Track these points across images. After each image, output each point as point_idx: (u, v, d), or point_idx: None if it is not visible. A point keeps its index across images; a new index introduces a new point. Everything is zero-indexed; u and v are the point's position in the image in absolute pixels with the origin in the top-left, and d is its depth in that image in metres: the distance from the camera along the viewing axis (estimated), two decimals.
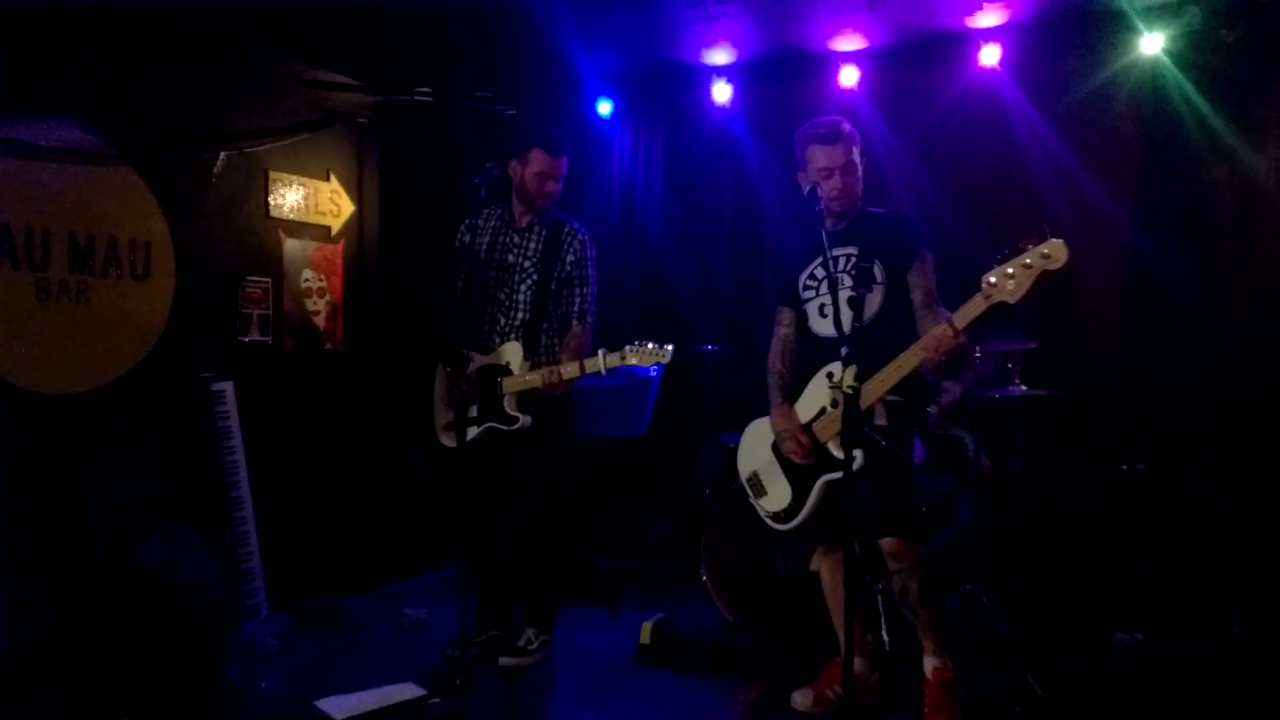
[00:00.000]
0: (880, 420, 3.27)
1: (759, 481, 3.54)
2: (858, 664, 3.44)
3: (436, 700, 3.49)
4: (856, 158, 3.39)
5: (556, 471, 4.04)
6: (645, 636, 4.10)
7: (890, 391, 3.16)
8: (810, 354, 3.46)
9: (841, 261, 3.38)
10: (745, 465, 3.62)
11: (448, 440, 4.00)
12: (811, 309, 3.46)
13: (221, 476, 4.25)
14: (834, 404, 3.34)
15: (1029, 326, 4.45)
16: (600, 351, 3.68)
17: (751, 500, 3.59)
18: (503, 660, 3.93)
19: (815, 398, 3.36)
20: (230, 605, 4.14)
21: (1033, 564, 4.39)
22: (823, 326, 3.41)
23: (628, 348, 3.63)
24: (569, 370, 3.73)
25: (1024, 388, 4.33)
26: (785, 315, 3.58)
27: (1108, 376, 4.90)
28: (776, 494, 3.47)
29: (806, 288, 3.49)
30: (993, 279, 2.85)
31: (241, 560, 4.23)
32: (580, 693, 3.79)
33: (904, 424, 3.33)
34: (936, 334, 3.02)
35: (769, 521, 3.53)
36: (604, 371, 3.70)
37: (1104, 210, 4.88)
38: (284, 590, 4.44)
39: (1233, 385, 4.67)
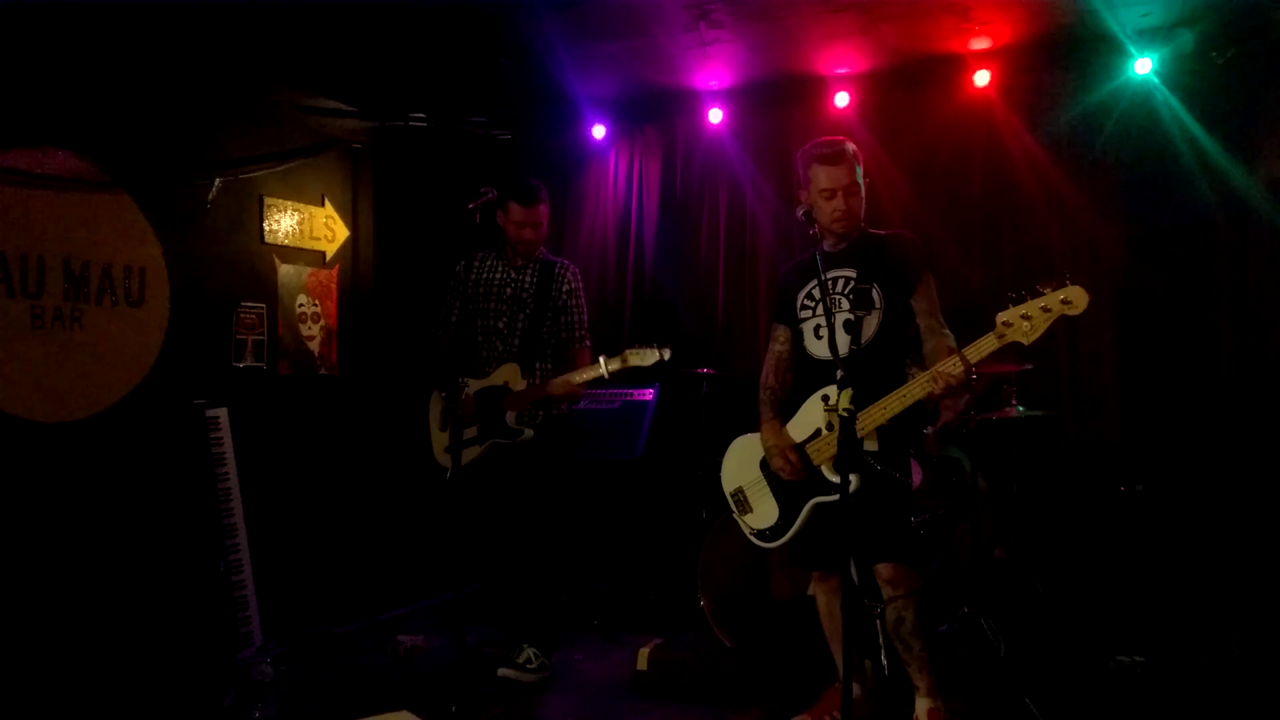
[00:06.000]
0: (871, 445, 3.24)
1: (744, 498, 3.53)
2: (855, 689, 3.40)
3: None
4: (860, 179, 3.37)
5: (554, 493, 4.14)
6: (642, 662, 4.09)
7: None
8: (806, 375, 3.44)
9: (840, 283, 3.35)
10: (730, 481, 3.60)
11: (447, 462, 4.00)
12: (807, 329, 3.43)
13: (215, 503, 4.23)
14: (829, 427, 3.34)
15: (1024, 348, 4.44)
16: (601, 358, 3.85)
17: (735, 516, 3.58)
18: (501, 672, 3.97)
19: (810, 419, 3.34)
20: (224, 633, 4.12)
21: (1031, 586, 4.37)
22: (818, 348, 3.38)
23: (627, 351, 3.82)
24: (578, 376, 3.91)
25: (1021, 409, 4.33)
26: (780, 332, 3.55)
27: (1104, 397, 4.90)
28: (763, 512, 3.45)
29: (804, 307, 3.46)
30: (1007, 319, 2.84)
31: (235, 588, 4.21)
32: (577, 719, 3.77)
33: (897, 447, 3.30)
34: (946, 368, 3.00)
35: (753, 539, 3.52)
36: (606, 375, 3.85)
37: (1097, 232, 4.90)
38: (278, 618, 4.41)
39: (1227, 404, 4.67)
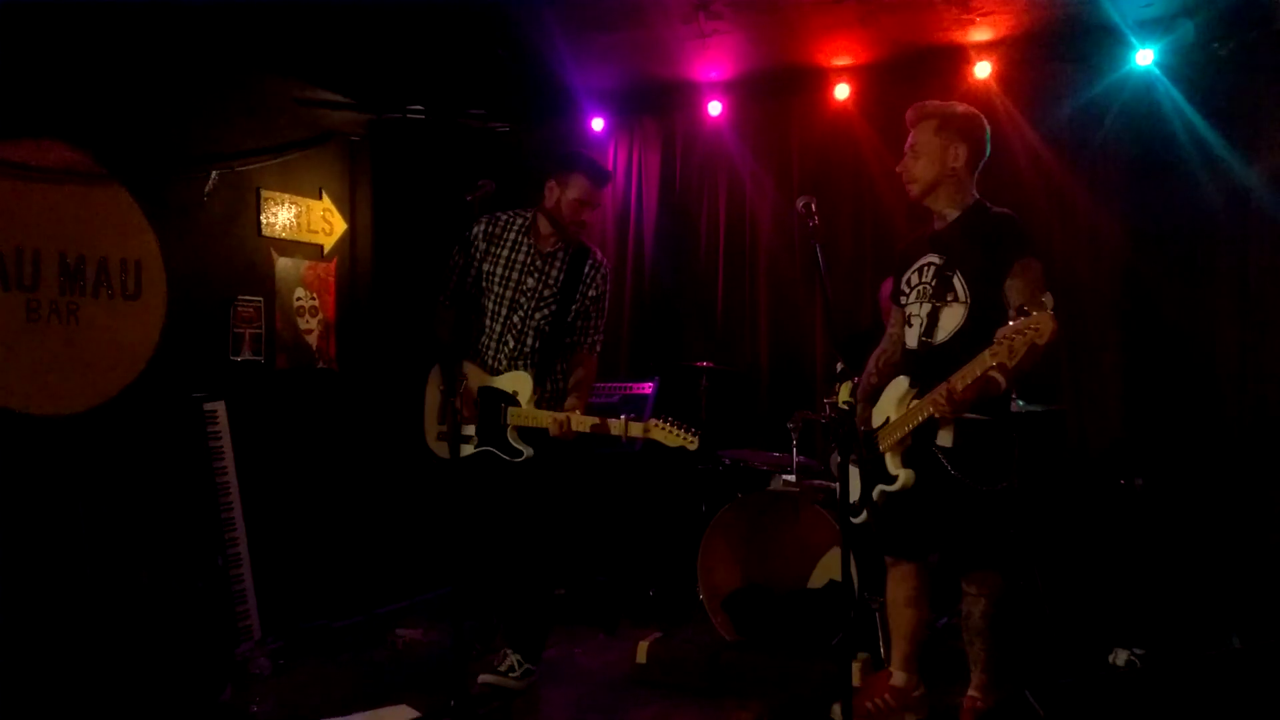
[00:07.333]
0: (945, 442, 3.15)
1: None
2: (902, 678, 3.40)
3: None
4: (933, 137, 3.26)
5: (552, 501, 3.91)
6: (641, 656, 4.08)
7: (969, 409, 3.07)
8: (898, 362, 3.39)
9: (929, 271, 3.26)
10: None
11: (441, 450, 3.89)
12: (905, 315, 3.37)
13: (213, 497, 4.22)
14: (828, 419, 3.34)
15: None
16: (623, 417, 3.57)
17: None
18: (483, 678, 3.81)
19: (883, 407, 3.31)
20: (222, 627, 4.12)
21: (1031, 579, 4.36)
22: (909, 337, 3.32)
23: (653, 421, 3.52)
24: (585, 425, 3.61)
25: (1021, 403, 4.32)
26: (895, 314, 3.47)
27: (1105, 391, 4.88)
28: (854, 490, 3.39)
29: (902, 293, 3.38)
30: (999, 337, 2.80)
31: (233, 582, 4.20)
32: (576, 713, 3.77)
33: (980, 445, 3.15)
34: (937, 395, 2.99)
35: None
36: (624, 438, 3.60)
37: (1097, 225, 4.87)
38: (277, 612, 4.40)
39: (1227, 399, 4.66)
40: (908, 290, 3.36)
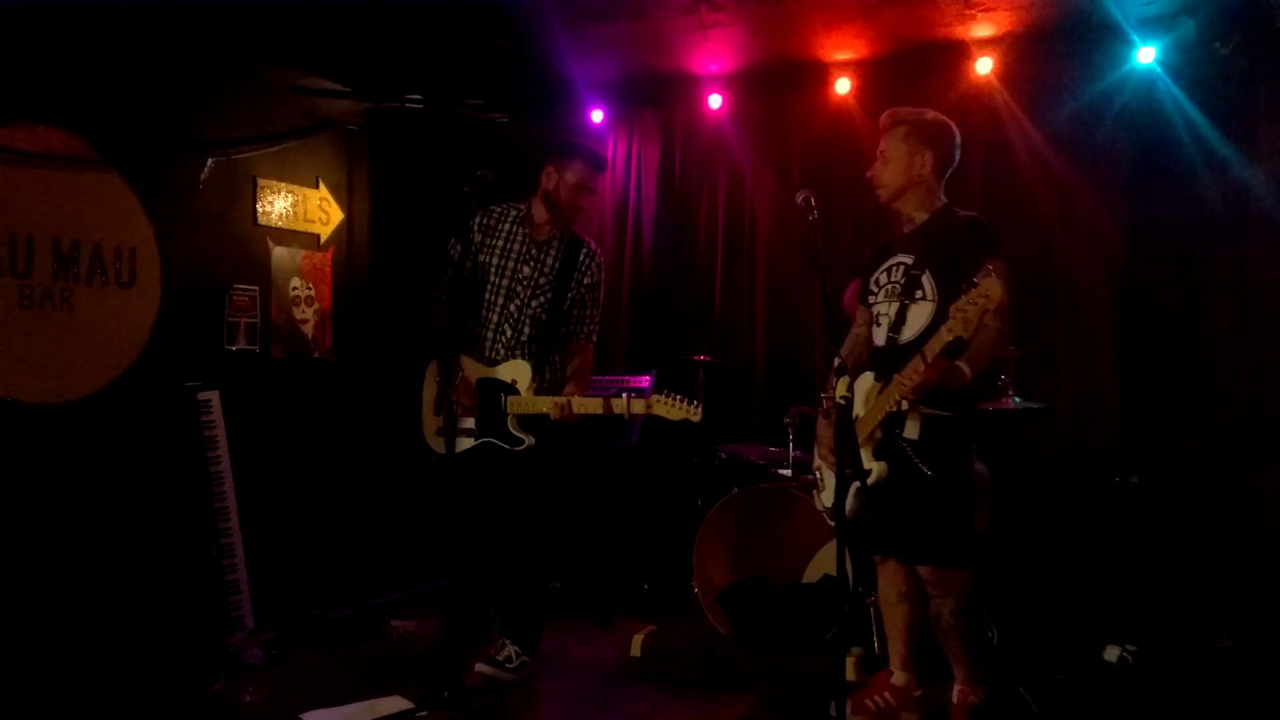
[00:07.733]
0: (911, 434, 3.17)
1: (820, 476, 3.54)
2: (902, 678, 3.43)
3: (424, 713, 3.44)
4: (901, 143, 3.29)
5: (548, 498, 3.92)
6: (636, 649, 4.08)
7: (928, 405, 3.12)
8: (864, 361, 3.42)
9: (898, 270, 3.29)
10: (817, 458, 3.60)
11: (439, 446, 3.88)
12: (872, 315, 3.41)
13: (207, 487, 4.20)
14: (825, 414, 3.34)
15: (1020, 337, 4.43)
16: (624, 395, 3.58)
17: (815, 492, 3.60)
18: (479, 668, 3.81)
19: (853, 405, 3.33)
20: (215, 617, 4.10)
21: (1025, 575, 4.37)
22: (876, 335, 3.36)
23: (655, 397, 3.53)
24: (588, 406, 3.62)
25: (1017, 400, 4.32)
26: (860, 314, 3.52)
27: (1101, 389, 4.88)
28: (827, 492, 3.44)
29: (870, 292, 3.42)
30: (953, 310, 2.84)
31: (227, 572, 4.18)
32: (570, 705, 3.76)
33: (943, 440, 3.19)
34: (903, 376, 3.02)
35: (825, 517, 3.56)
36: (627, 416, 3.61)
37: (1097, 222, 4.87)
38: (270, 602, 4.38)
39: (1223, 397, 4.66)
40: (876, 290, 3.40)
